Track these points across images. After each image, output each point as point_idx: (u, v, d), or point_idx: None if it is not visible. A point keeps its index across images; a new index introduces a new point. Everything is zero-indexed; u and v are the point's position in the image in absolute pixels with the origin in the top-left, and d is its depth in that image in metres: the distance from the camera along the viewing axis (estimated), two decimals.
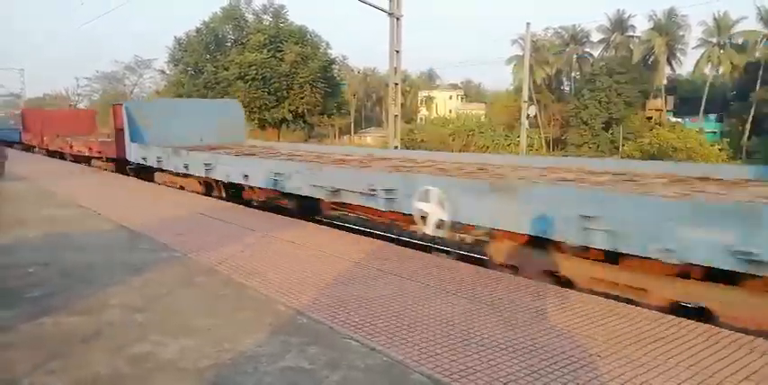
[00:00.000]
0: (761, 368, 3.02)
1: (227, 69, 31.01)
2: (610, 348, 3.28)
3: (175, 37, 35.15)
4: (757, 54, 49.40)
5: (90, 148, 17.52)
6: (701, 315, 4.17)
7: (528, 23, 28.74)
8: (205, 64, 32.85)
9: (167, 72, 40.00)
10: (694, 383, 2.83)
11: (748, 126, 45.83)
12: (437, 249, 8.09)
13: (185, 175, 11.31)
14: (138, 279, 4.79)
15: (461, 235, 6.48)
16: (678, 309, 4.32)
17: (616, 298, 4.46)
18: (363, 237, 6.93)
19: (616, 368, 3.01)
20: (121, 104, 13.94)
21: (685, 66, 57.40)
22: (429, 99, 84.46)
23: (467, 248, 7.80)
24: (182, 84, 33.53)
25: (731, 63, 50.07)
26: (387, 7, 18.31)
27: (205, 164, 10.01)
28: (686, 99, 54.94)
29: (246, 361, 3.11)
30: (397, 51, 18.59)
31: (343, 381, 2.87)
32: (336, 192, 6.97)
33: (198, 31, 34.44)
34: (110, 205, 8.97)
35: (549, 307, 4.04)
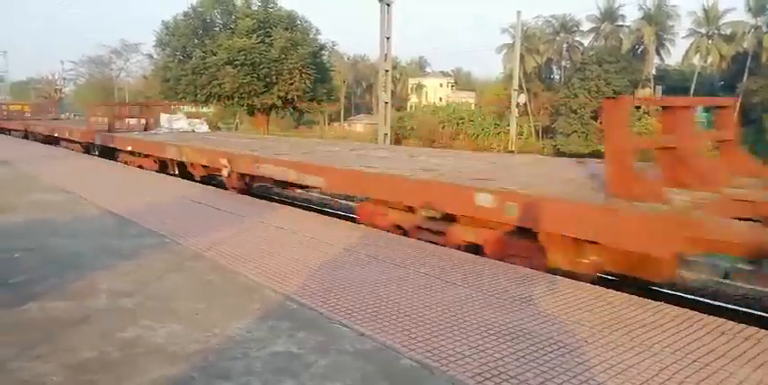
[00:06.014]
0: (743, 353, 3.07)
1: (215, 54, 30.60)
2: (596, 334, 3.32)
3: (163, 21, 34.63)
4: (745, 44, 49.74)
5: None
6: None
7: (519, 12, 28.70)
8: (193, 48, 32.38)
9: (155, 56, 39.47)
10: (679, 367, 2.88)
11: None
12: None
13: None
14: (125, 264, 4.75)
15: None
16: None
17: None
18: (353, 223, 6.93)
19: (602, 352, 3.05)
20: None
21: (674, 56, 57.65)
22: (419, 87, 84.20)
23: None
24: (169, 68, 33.03)
25: (719, 53, 50.41)
26: None
27: None
28: (675, 89, 55.20)
29: (235, 346, 3.11)
30: (388, 38, 18.48)
31: (332, 366, 2.88)
32: None
33: (185, 14, 33.90)
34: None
35: (538, 293, 4.08)
